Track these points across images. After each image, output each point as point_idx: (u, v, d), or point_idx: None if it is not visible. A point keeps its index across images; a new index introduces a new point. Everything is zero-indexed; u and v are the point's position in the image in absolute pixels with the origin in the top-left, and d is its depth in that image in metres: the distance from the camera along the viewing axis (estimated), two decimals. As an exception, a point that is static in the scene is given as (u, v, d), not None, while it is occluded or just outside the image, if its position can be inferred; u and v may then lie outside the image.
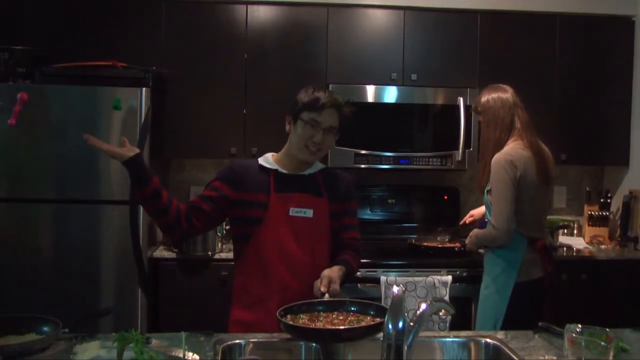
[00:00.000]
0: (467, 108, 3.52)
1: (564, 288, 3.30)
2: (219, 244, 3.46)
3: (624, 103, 3.91)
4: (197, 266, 3.38)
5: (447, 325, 3.18)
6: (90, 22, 3.54)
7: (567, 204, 4.23)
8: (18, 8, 3.50)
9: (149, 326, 3.23)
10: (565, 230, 3.98)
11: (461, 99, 3.61)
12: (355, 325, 1.78)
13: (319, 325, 1.78)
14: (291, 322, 1.76)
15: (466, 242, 2.91)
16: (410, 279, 3.24)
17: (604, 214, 3.95)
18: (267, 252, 2.08)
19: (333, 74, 3.67)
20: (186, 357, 1.65)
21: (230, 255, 2.25)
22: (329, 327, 1.76)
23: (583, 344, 1.55)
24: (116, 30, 3.55)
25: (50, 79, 3.20)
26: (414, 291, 3.21)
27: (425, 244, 3.64)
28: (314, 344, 1.79)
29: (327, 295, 1.93)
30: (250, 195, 2.10)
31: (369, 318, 1.84)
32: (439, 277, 3.25)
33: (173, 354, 1.67)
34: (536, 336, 1.94)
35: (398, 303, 1.48)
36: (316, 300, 1.93)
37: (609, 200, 3.99)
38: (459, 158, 3.62)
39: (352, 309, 1.89)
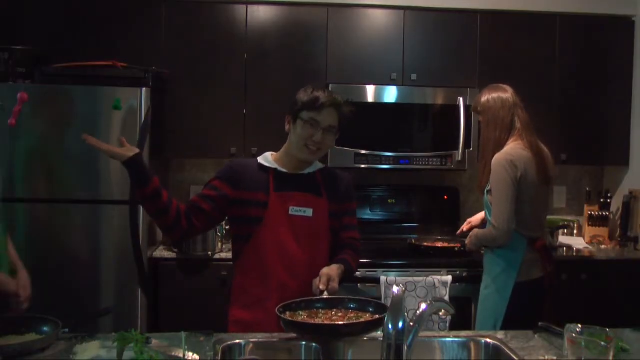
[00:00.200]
0: (467, 108, 3.52)
1: (564, 288, 3.30)
2: (219, 244, 3.46)
3: (624, 103, 3.91)
4: (197, 266, 3.38)
5: (447, 325, 3.18)
6: (90, 22, 3.54)
7: (567, 204, 4.23)
8: (18, 8, 3.50)
9: (149, 326, 3.23)
10: (565, 230, 3.98)
11: (461, 99, 3.61)
12: (354, 321, 1.78)
13: (318, 322, 1.78)
14: (290, 318, 1.76)
15: (466, 242, 2.91)
16: (410, 279, 3.24)
17: (604, 214, 3.95)
18: (267, 251, 2.08)
19: (333, 74, 3.67)
20: (186, 357, 1.65)
21: (230, 255, 2.24)
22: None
23: (583, 344, 1.55)
24: (116, 30, 3.55)
25: (50, 79, 3.19)
26: (414, 291, 3.21)
27: (425, 244, 3.64)
28: (314, 344, 1.79)
29: (326, 293, 1.94)
30: (250, 194, 2.10)
31: (367, 315, 1.84)
32: (439, 277, 3.25)
33: (173, 354, 1.67)
34: (536, 336, 1.94)
35: (398, 303, 1.48)
36: (315, 298, 1.93)
37: (609, 200, 3.99)
38: (459, 158, 3.62)
39: (351, 306, 1.90)
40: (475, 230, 2.89)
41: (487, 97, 2.79)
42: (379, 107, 3.66)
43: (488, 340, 1.90)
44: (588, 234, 3.97)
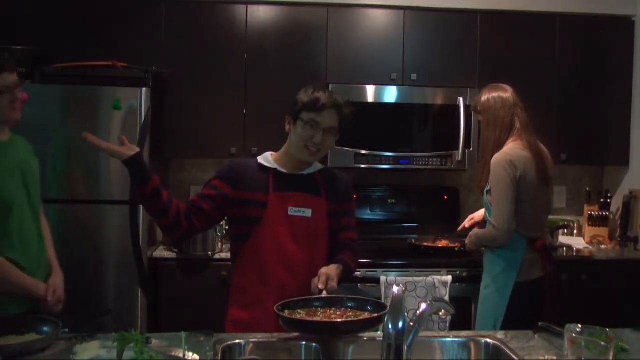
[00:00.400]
0: (467, 108, 3.52)
1: (564, 288, 3.30)
2: (219, 244, 3.46)
3: (624, 103, 3.91)
4: (197, 266, 3.38)
5: (447, 325, 3.18)
6: (90, 22, 3.54)
7: (567, 204, 4.23)
8: (18, 8, 3.50)
9: (149, 326, 3.23)
10: (565, 230, 3.98)
11: (461, 99, 3.61)
12: (353, 319, 1.79)
13: (317, 320, 1.79)
14: (289, 316, 1.77)
15: (466, 242, 2.91)
16: (410, 279, 3.24)
17: (604, 214, 3.95)
18: (265, 251, 2.08)
19: (333, 74, 3.67)
20: (186, 357, 1.65)
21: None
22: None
23: (583, 344, 1.55)
24: (116, 30, 3.55)
25: (50, 79, 3.19)
26: (414, 291, 3.21)
27: (425, 244, 3.64)
28: (314, 344, 1.79)
29: (324, 292, 1.94)
30: (250, 194, 2.10)
31: (366, 314, 1.85)
32: (439, 277, 3.25)
33: (173, 354, 1.67)
34: (536, 336, 1.93)
35: (398, 303, 1.48)
36: (314, 297, 1.93)
37: (609, 200, 3.99)
38: (459, 158, 3.62)
39: (350, 305, 1.90)
40: (475, 230, 2.89)
41: (487, 96, 2.79)
42: (379, 107, 3.66)
43: (488, 340, 1.90)
44: (588, 234, 3.97)
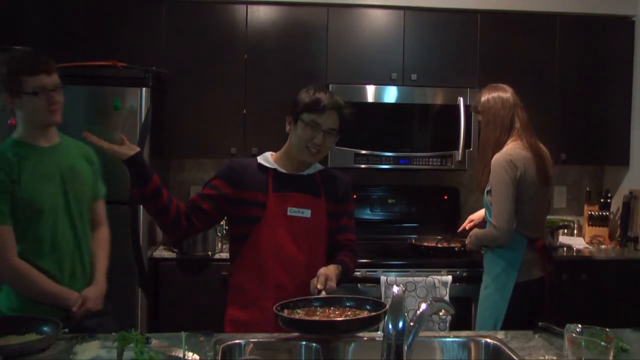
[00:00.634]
0: (467, 108, 3.52)
1: (564, 288, 3.30)
2: (219, 244, 3.46)
3: (624, 103, 3.91)
4: (197, 266, 3.38)
5: (447, 325, 3.18)
6: (90, 22, 3.54)
7: (567, 204, 4.23)
8: (18, 8, 3.50)
9: (149, 326, 3.23)
10: (565, 230, 3.98)
11: (461, 99, 3.61)
12: (352, 318, 1.79)
13: (316, 319, 1.79)
14: (288, 316, 1.77)
15: (466, 242, 2.91)
16: (410, 279, 3.24)
17: (604, 214, 3.95)
18: (264, 251, 2.08)
19: (333, 74, 3.67)
20: (186, 357, 1.65)
21: (231, 255, 2.24)
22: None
23: (583, 344, 1.55)
24: (116, 30, 3.55)
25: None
26: (414, 291, 3.21)
27: (425, 244, 3.64)
28: (314, 344, 1.79)
29: (323, 292, 1.94)
30: (249, 194, 2.10)
31: (365, 313, 1.85)
32: (439, 277, 3.25)
33: (173, 354, 1.67)
34: (536, 336, 1.94)
35: (398, 303, 1.48)
36: (313, 297, 1.93)
37: (609, 200, 3.99)
38: (459, 158, 3.62)
39: (348, 304, 1.90)
40: (475, 230, 2.88)
41: (487, 96, 2.79)
42: (379, 107, 3.66)
43: (488, 340, 1.90)
44: (588, 234, 3.97)
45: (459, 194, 4.07)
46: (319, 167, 2.22)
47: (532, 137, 2.75)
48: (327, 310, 1.87)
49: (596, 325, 1.63)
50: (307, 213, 2.11)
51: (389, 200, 4.00)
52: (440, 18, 3.75)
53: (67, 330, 1.84)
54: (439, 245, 3.60)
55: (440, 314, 3.11)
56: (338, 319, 1.81)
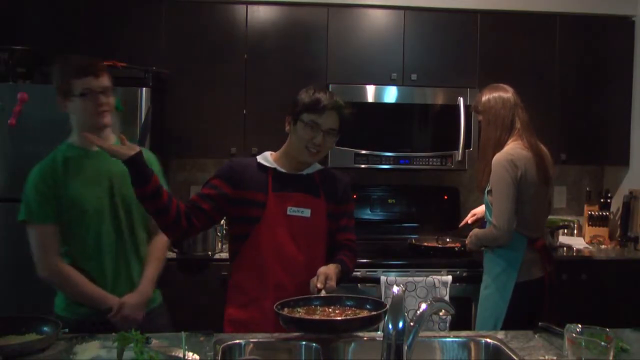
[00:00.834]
0: (467, 108, 3.52)
1: (564, 288, 3.30)
2: (219, 244, 3.46)
3: (624, 103, 3.91)
4: (197, 266, 3.38)
5: (447, 325, 3.18)
6: (90, 22, 3.54)
7: (567, 204, 4.23)
8: (18, 8, 3.50)
9: (149, 326, 3.22)
10: (565, 230, 3.98)
11: (461, 99, 3.61)
12: (352, 317, 1.79)
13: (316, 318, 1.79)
14: (288, 314, 1.77)
15: (466, 242, 2.91)
16: (410, 279, 3.24)
17: (604, 214, 3.95)
18: (264, 251, 2.08)
19: (333, 74, 3.67)
20: (186, 357, 1.65)
21: (231, 255, 2.24)
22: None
23: (583, 344, 1.55)
24: (116, 30, 3.55)
25: (50, 79, 3.18)
26: (414, 291, 3.21)
27: (425, 244, 3.64)
28: (314, 344, 1.79)
29: (323, 291, 1.94)
30: (249, 193, 2.10)
31: (365, 312, 1.85)
32: (439, 277, 3.25)
33: (173, 354, 1.67)
34: (536, 336, 1.94)
35: (398, 303, 1.48)
36: (313, 296, 1.93)
37: (609, 200, 3.99)
38: (459, 158, 3.62)
39: (349, 303, 1.90)
40: (476, 230, 2.88)
41: (487, 96, 2.79)
42: (379, 107, 3.66)
43: (488, 340, 1.90)
44: (588, 234, 3.97)
45: (459, 194, 4.07)
46: (318, 167, 2.22)
47: (533, 137, 2.75)
48: (327, 309, 1.87)
49: (596, 325, 1.64)
50: (306, 213, 2.11)
51: (389, 200, 4.00)
52: (440, 18, 3.75)
53: (67, 330, 1.84)
54: (439, 245, 3.59)
55: (440, 314, 3.11)
56: (338, 318, 1.81)
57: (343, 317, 1.81)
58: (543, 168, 2.71)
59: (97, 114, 2.12)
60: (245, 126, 3.64)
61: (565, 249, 3.73)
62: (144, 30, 3.57)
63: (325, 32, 3.67)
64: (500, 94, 2.77)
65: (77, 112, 2.14)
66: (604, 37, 3.87)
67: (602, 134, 3.90)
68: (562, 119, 3.82)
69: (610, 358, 1.54)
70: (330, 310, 1.87)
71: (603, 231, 3.94)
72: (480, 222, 3.15)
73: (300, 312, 1.84)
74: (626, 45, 3.90)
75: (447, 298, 3.15)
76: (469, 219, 3.18)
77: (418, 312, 1.52)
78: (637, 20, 3.89)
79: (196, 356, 1.66)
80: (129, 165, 1.92)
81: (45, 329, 1.80)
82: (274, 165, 2.15)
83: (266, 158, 2.18)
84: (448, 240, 3.65)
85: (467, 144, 3.62)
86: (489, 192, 2.71)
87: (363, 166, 3.63)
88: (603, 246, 3.84)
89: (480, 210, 3.15)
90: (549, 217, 3.08)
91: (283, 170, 2.15)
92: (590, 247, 3.78)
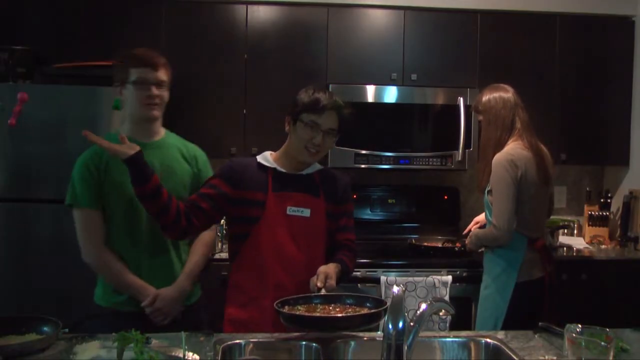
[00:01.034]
0: (467, 108, 3.52)
1: (564, 288, 3.30)
2: (219, 244, 3.45)
3: (624, 103, 3.91)
4: (197, 266, 3.37)
5: (447, 325, 3.18)
6: (90, 22, 3.54)
7: (567, 204, 4.23)
8: (18, 8, 3.50)
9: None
10: (565, 230, 3.98)
11: (461, 99, 3.61)
12: (352, 314, 1.79)
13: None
14: (289, 312, 1.77)
15: (466, 242, 2.91)
16: (410, 279, 3.24)
17: (604, 214, 3.95)
18: (264, 251, 2.08)
19: (333, 74, 3.67)
20: (186, 357, 1.65)
21: (231, 255, 2.24)
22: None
23: (583, 344, 1.55)
24: (116, 30, 3.55)
25: (50, 79, 3.20)
26: (414, 291, 3.21)
27: (425, 244, 3.64)
28: (314, 344, 1.79)
29: (323, 290, 1.94)
30: (249, 193, 2.10)
31: (365, 310, 1.85)
32: (439, 277, 3.25)
33: (173, 354, 1.67)
34: (536, 336, 1.94)
35: (398, 303, 1.48)
36: (313, 294, 1.93)
37: (609, 200, 3.99)
38: (459, 158, 3.62)
39: (349, 301, 1.91)
40: (476, 230, 2.89)
41: (488, 96, 2.79)
42: (379, 107, 3.66)
43: (488, 340, 1.90)
44: (588, 234, 3.97)
45: (459, 194, 4.07)
46: (318, 167, 2.22)
47: (533, 137, 2.75)
48: (327, 307, 1.87)
49: (596, 325, 1.63)
50: (306, 212, 2.12)
51: (389, 200, 4.00)
52: (440, 18, 3.75)
53: (67, 330, 1.84)
54: (439, 245, 3.59)
55: (440, 314, 3.11)
56: (339, 315, 1.81)
57: (344, 314, 1.81)
58: (543, 168, 2.71)
59: (146, 105, 2.19)
60: (245, 126, 3.64)
61: (565, 249, 3.73)
62: (144, 30, 3.57)
63: (325, 32, 3.67)
64: (500, 94, 2.77)
65: (129, 101, 2.20)
66: (604, 37, 3.87)
67: (602, 134, 3.90)
68: (562, 119, 3.82)
69: (610, 358, 1.54)
70: (331, 308, 1.87)
71: (603, 231, 3.94)
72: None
73: (301, 310, 1.84)
74: (626, 45, 3.90)
75: (447, 298, 3.15)
76: (471, 226, 3.17)
77: (418, 312, 1.52)
78: (637, 20, 3.89)
79: (196, 356, 1.66)
80: (129, 164, 1.93)
81: (45, 329, 1.80)
82: (274, 165, 2.15)
83: (266, 158, 2.18)
84: (448, 240, 3.64)
85: (467, 144, 3.62)
86: (489, 192, 2.71)
87: (363, 166, 3.63)
88: (603, 246, 3.84)
89: (483, 217, 3.14)
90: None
91: (283, 170, 2.15)
92: (590, 247, 3.78)
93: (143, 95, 2.18)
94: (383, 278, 3.24)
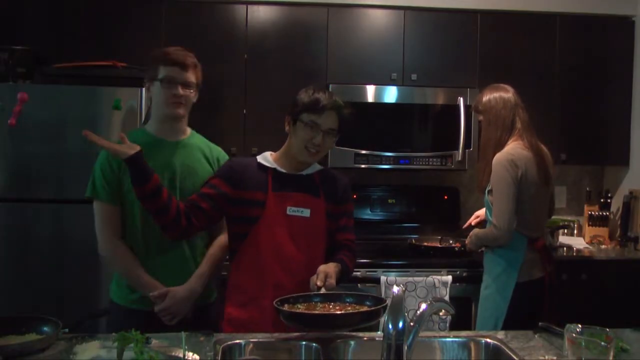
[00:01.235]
0: (467, 108, 3.52)
1: (564, 288, 3.30)
2: (219, 244, 3.45)
3: (624, 103, 3.91)
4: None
5: (447, 325, 3.18)
6: (90, 23, 3.54)
7: (567, 204, 4.23)
8: (18, 8, 3.50)
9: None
10: (565, 230, 3.98)
11: (461, 99, 3.61)
12: (352, 311, 1.79)
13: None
14: (288, 310, 1.77)
15: (466, 242, 2.91)
16: (410, 279, 3.24)
17: (604, 214, 3.95)
18: (263, 250, 2.08)
19: (333, 74, 3.67)
20: (186, 357, 1.65)
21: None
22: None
23: (583, 344, 1.55)
24: (116, 30, 3.55)
25: (50, 79, 3.19)
26: (414, 291, 3.21)
27: (425, 244, 3.64)
28: (314, 344, 1.79)
29: (323, 289, 1.94)
30: (249, 193, 2.10)
31: (365, 308, 1.85)
32: (439, 277, 3.25)
33: (173, 354, 1.67)
34: (536, 336, 1.94)
35: (398, 303, 1.48)
36: (313, 292, 1.93)
37: (609, 200, 3.99)
38: (459, 158, 3.62)
39: (349, 300, 1.91)
40: (476, 230, 2.88)
41: (488, 96, 2.79)
42: (379, 107, 3.66)
43: (488, 340, 1.90)
44: (588, 234, 3.97)
45: (459, 194, 4.07)
46: (318, 167, 2.22)
47: (533, 137, 2.75)
48: (327, 305, 1.87)
49: (596, 325, 1.63)
50: (306, 212, 2.12)
51: (389, 200, 4.00)
52: (440, 18, 3.75)
53: (67, 330, 1.84)
54: (439, 245, 3.59)
55: (440, 314, 3.11)
56: (339, 312, 1.81)
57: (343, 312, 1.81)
58: (543, 168, 2.71)
59: (171, 104, 2.19)
60: (245, 126, 3.64)
61: (565, 249, 3.73)
62: (144, 30, 3.57)
63: (325, 32, 3.67)
64: (500, 94, 2.77)
65: (155, 98, 2.22)
66: (604, 37, 3.87)
67: (602, 134, 3.90)
68: (562, 119, 3.83)
69: (610, 358, 1.54)
70: (331, 306, 1.87)
71: (603, 231, 3.94)
72: (482, 223, 3.15)
73: (301, 308, 1.84)
74: (626, 45, 3.90)
75: (447, 298, 3.15)
76: (472, 220, 3.17)
77: (418, 312, 1.52)
78: (637, 20, 3.89)
79: (196, 356, 1.66)
80: (129, 164, 1.93)
81: (45, 329, 1.80)
82: (274, 165, 2.15)
83: (266, 158, 2.18)
84: (448, 240, 3.64)
85: (467, 144, 3.62)
86: (490, 192, 2.71)
87: (363, 166, 3.63)
88: (603, 246, 3.84)
89: (484, 212, 3.14)
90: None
91: (283, 170, 2.15)
92: (590, 247, 3.78)
93: (169, 94, 2.19)
94: (383, 278, 3.24)
